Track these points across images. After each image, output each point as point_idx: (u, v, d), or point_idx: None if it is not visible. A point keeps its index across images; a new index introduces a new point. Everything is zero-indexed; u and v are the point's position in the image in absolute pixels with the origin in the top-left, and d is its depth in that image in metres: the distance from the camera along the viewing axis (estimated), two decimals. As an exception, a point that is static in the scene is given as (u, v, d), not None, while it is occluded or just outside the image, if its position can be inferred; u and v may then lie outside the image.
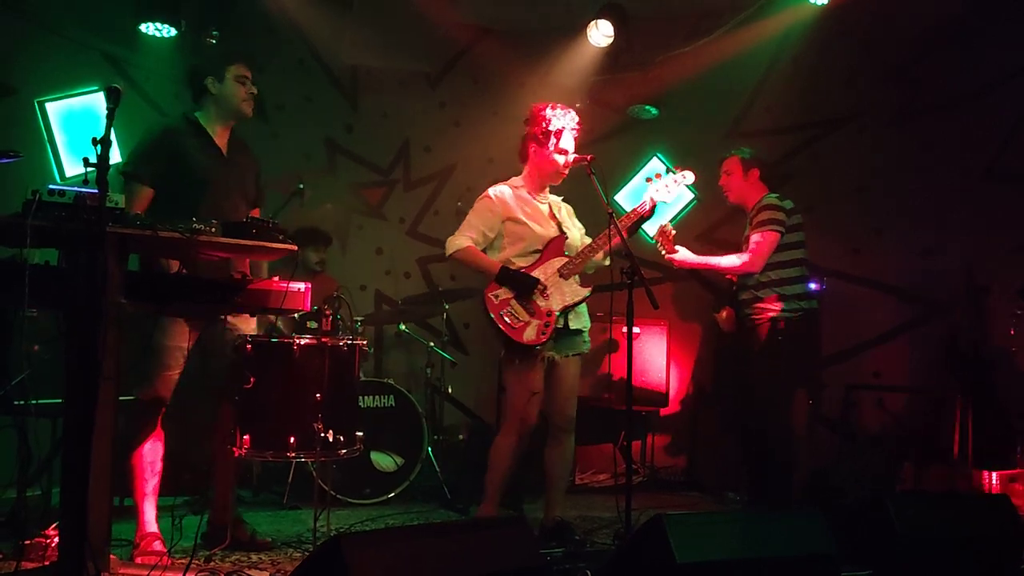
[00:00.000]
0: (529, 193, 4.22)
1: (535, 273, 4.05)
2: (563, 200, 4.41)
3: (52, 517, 3.52)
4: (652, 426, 6.23)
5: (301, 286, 3.19)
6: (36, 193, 2.50)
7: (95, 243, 2.51)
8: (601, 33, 6.00)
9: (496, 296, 4.00)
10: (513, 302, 3.99)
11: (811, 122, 6.30)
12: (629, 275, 3.83)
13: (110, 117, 2.68)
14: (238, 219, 3.15)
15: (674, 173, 4.29)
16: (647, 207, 4.21)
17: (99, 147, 2.53)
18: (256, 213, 3.91)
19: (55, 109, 5.72)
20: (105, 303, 2.57)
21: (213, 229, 2.73)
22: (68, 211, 2.53)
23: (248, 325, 3.77)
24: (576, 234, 4.27)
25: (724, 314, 5.03)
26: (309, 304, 3.26)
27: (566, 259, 4.10)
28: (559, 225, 4.22)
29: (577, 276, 4.14)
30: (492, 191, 4.17)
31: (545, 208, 4.24)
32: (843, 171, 6.16)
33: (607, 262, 4.18)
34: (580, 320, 4.16)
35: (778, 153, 6.13)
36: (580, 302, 4.10)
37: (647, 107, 6.40)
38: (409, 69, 6.71)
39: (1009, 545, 3.62)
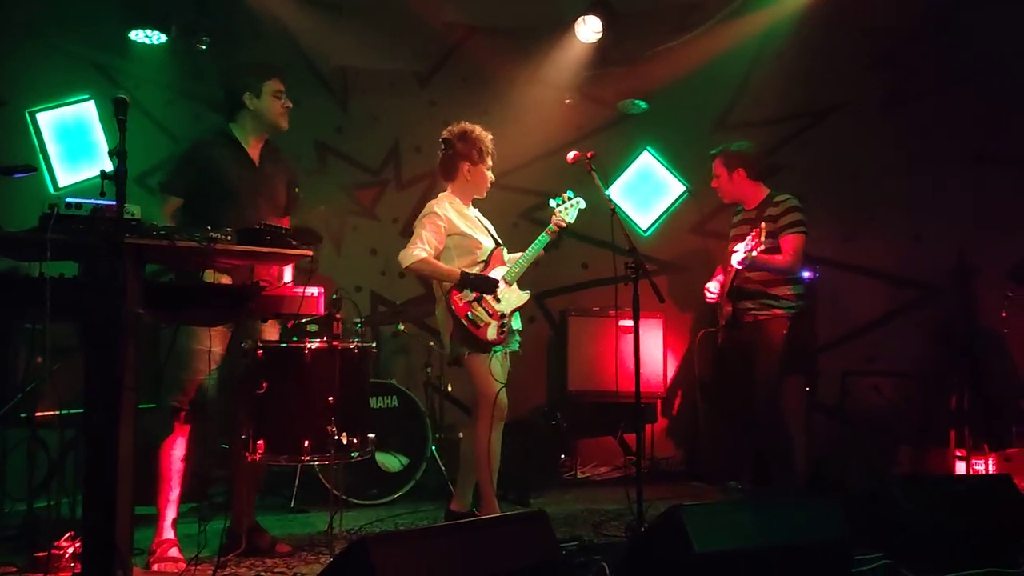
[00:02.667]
0: (464, 206, 4.43)
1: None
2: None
3: (64, 527, 3.52)
4: (651, 417, 6.28)
5: (315, 291, 3.21)
6: (54, 207, 2.50)
7: (114, 254, 2.52)
8: (589, 29, 6.02)
9: (461, 298, 4.18)
10: (475, 304, 4.18)
11: (800, 112, 6.35)
12: (634, 269, 3.89)
13: (122, 128, 2.68)
14: None
15: (573, 199, 4.41)
16: (562, 226, 4.37)
17: (115, 159, 2.54)
18: (286, 221, 3.98)
19: (46, 119, 5.71)
20: (125, 313, 2.57)
21: (228, 237, 2.74)
22: (86, 223, 2.53)
23: (271, 331, 3.82)
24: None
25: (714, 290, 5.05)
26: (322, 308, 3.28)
27: (507, 267, 4.33)
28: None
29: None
30: (438, 208, 4.31)
31: (476, 218, 4.46)
32: (833, 160, 6.22)
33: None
34: (516, 321, 4.38)
35: (768, 144, 6.17)
36: (523, 305, 4.34)
37: (637, 101, 6.45)
38: (398, 69, 6.70)
39: (1016, 523, 3.69)
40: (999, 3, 5.73)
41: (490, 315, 4.18)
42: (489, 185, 4.45)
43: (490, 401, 4.15)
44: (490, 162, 4.44)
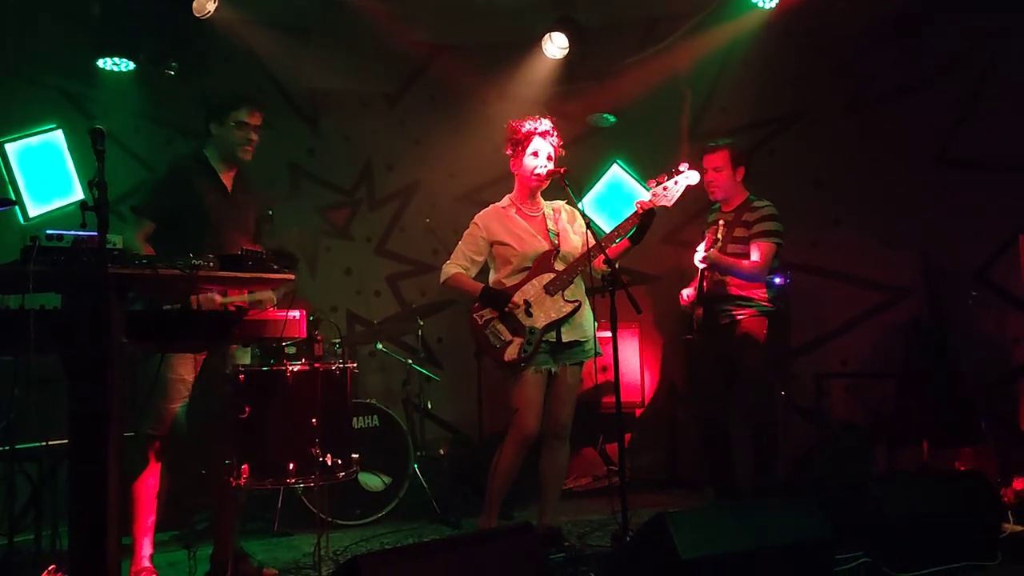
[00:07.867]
0: (520, 207, 4.26)
1: (518, 292, 4.08)
2: (567, 204, 4.36)
3: (46, 560, 3.49)
4: (629, 427, 6.32)
5: (297, 314, 3.22)
6: (35, 239, 2.50)
7: (97, 285, 2.52)
8: (556, 45, 6.11)
9: (480, 316, 4.08)
10: (496, 321, 4.04)
11: (765, 120, 6.43)
12: (610, 280, 3.88)
13: (100, 158, 2.68)
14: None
15: (678, 175, 4.11)
16: (640, 210, 4.11)
17: (95, 190, 2.55)
18: (257, 248, 3.93)
19: (13, 150, 5.68)
20: (109, 344, 2.58)
21: (211, 264, 2.76)
22: (67, 255, 2.54)
23: (244, 356, 3.80)
24: (577, 241, 4.21)
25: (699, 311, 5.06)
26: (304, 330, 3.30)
27: (554, 275, 4.08)
28: (555, 235, 4.20)
29: (566, 290, 4.08)
30: (478, 216, 4.24)
31: (538, 219, 4.25)
32: (799, 166, 6.31)
33: (616, 266, 3.93)
34: (576, 332, 4.11)
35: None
36: (564, 318, 4.06)
37: (605, 115, 6.52)
38: (368, 90, 6.74)
39: (989, 518, 3.78)
40: (951, 6, 5.86)
41: (514, 331, 4.00)
42: (539, 171, 4.11)
43: (515, 420, 4.05)
44: (532, 148, 4.12)
